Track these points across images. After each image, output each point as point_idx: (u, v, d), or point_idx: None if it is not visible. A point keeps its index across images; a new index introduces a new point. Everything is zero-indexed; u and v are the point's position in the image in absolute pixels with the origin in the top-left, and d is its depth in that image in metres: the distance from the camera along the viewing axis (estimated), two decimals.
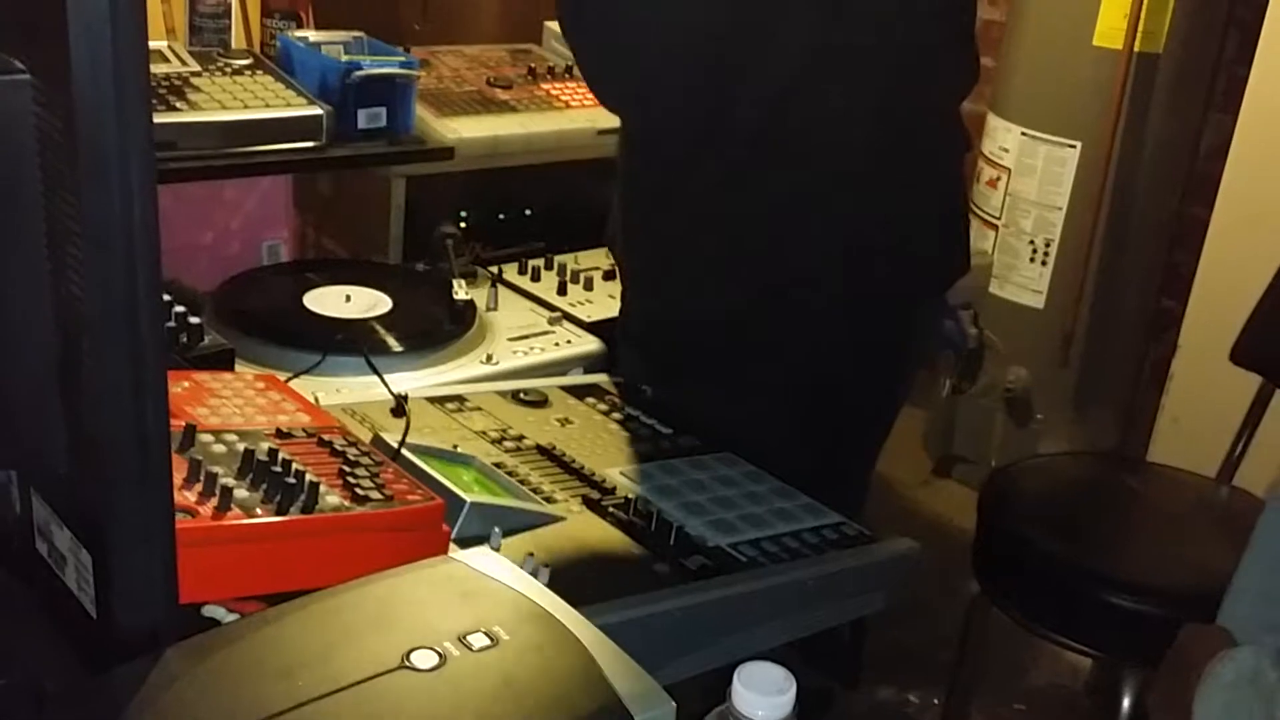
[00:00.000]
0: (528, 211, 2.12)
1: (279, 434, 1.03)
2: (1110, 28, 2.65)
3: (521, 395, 1.50)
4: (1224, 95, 2.83)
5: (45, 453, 0.73)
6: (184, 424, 0.97)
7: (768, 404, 1.48)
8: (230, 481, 0.91)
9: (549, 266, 2.00)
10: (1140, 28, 2.62)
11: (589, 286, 1.97)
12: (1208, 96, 2.86)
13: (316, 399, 1.36)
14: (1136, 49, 2.65)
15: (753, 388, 1.49)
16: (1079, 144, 2.75)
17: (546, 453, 1.34)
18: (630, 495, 1.27)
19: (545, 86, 2.18)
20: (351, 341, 1.57)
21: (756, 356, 1.50)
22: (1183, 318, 2.65)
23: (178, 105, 1.63)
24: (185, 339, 1.22)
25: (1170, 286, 2.88)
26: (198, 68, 1.75)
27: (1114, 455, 2.80)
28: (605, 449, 1.39)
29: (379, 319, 1.68)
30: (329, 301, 1.69)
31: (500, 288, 1.90)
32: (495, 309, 1.85)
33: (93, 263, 0.65)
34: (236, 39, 1.90)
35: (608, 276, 1.99)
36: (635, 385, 1.57)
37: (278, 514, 0.90)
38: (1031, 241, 2.85)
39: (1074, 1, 2.69)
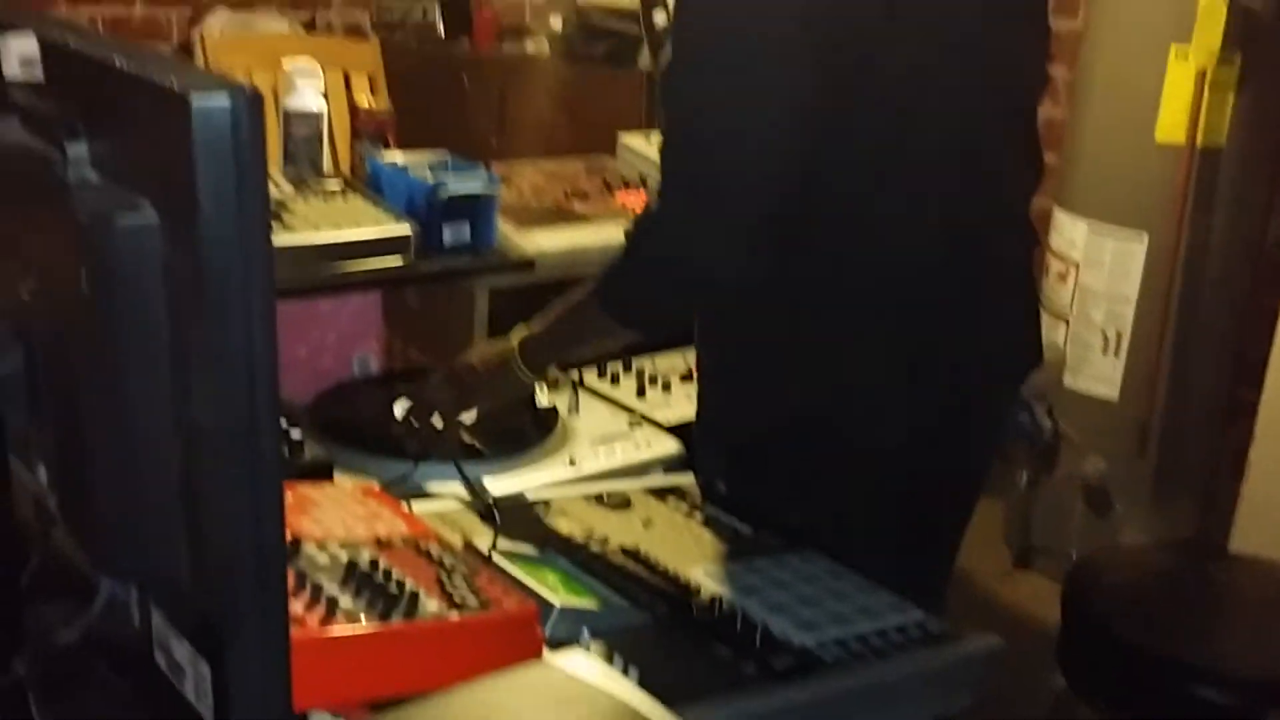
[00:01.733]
0: None
1: (378, 543, 1.08)
2: (1172, 123, 2.68)
3: (604, 498, 1.54)
4: None
5: (167, 568, 0.77)
6: (290, 536, 1.01)
7: (845, 500, 1.50)
8: (334, 591, 0.96)
9: (627, 370, 2.05)
10: (1202, 123, 2.65)
11: (667, 389, 2.00)
12: (1273, 186, 2.88)
13: (410, 506, 1.41)
14: (1199, 144, 2.67)
15: (830, 484, 1.51)
16: (1146, 236, 2.77)
17: (631, 554, 1.37)
18: (714, 595, 1.29)
19: (620, 197, 2.25)
20: (441, 449, 1.61)
21: (833, 453, 1.51)
22: (1258, 406, 2.63)
23: (276, 229, 1.72)
24: (288, 452, 1.28)
25: (1245, 375, 2.87)
26: (293, 192, 1.84)
27: (1196, 544, 2.77)
28: (688, 549, 1.42)
29: (466, 426, 1.73)
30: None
31: (581, 392, 1.94)
32: (576, 413, 1.89)
33: (216, 388, 0.70)
34: (328, 163, 1.99)
35: (685, 379, 2.03)
36: (712, 482, 1.60)
37: (380, 622, 0.94)
38: (1103, 333, 2.86)
39: (1134, 99, 2.73)
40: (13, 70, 0.72)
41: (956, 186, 1.44)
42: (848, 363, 1.48)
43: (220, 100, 0.62)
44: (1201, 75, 2.62)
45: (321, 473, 1.29)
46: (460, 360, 1.61)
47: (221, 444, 0.71)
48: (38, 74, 0.72)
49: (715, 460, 1.63)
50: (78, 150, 0.70)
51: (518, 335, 1.57)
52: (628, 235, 1.47)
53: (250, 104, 0.62)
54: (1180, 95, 2.66)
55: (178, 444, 0.73)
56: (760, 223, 1.35)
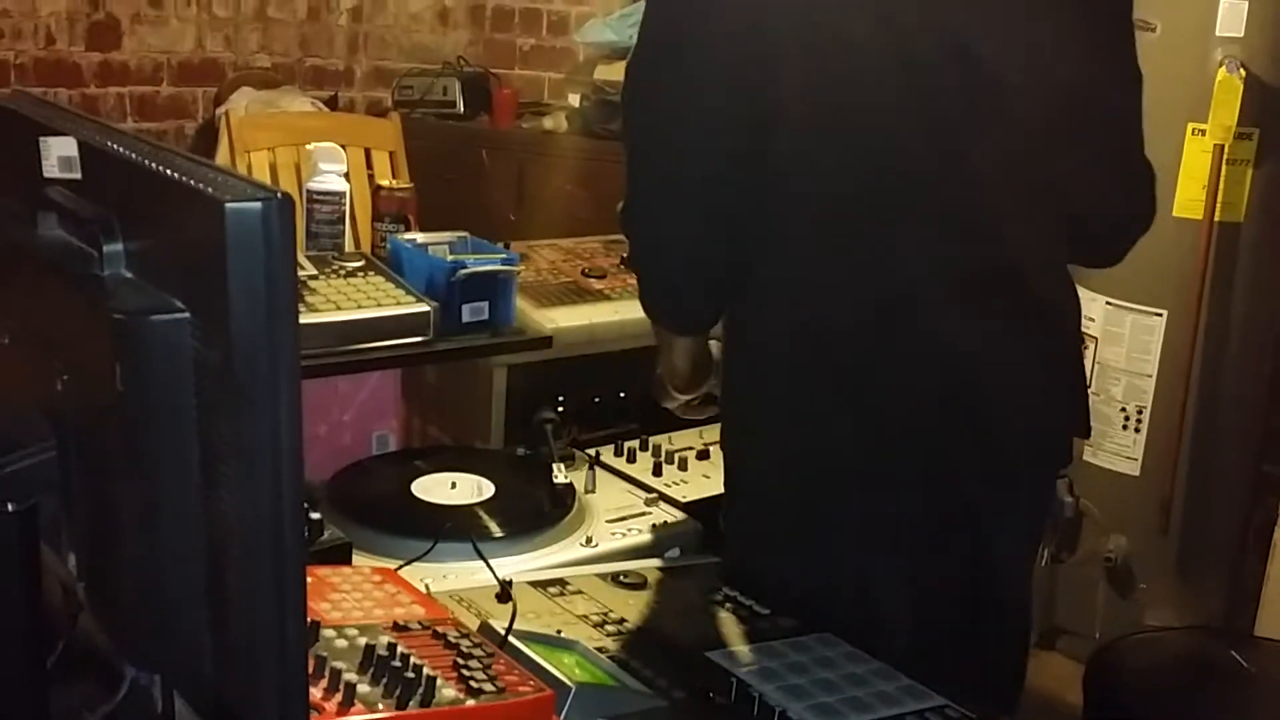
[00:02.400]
0: (622, 395, 2.18)
1: (396, 627, 1.08)
2: (1189, 199, 2.69)
3: (621, 578, 1.54)
4: None
5: (190, 657, 0.78)
6: (309, 620, 1.02)
7: (886, 579, 1.49)
8: (353, 677, 0.96)
9: (644, 448, 2.06)
10: (1220, 199, 2.66)
11: (683, 467, 2.01)
12: None
13: (427, 587, 1.42)
14: (1217, 219, 2.69)
15: (871, 561, 1.50)
16: (1165, 312, 2.77)
17: (647, 636, 1.37)
18: (731, 678, 1.29)
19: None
20: (458, 529, 1.62)
21: (880, 529, 1.50)
22: None
23: (299, 308, 1.74)
24: (307, 533, 1.29)
25: (1270, 452, 2.86)
26: (315, 271, 1.87)
27: (1221, 630, 2.74)
28: (705, 631, 1.42)
29: (483, 504, 1.74)
30: (436, 489, 1.76)
31: (598, 470, 1.95)
32: (593, 491, 1.90)
33: (243, 481, 0.71)
34: (349, 242, 2.02)
35: (701, 456, 2.04)
36: (732, 563, 1.59)
37: (398, 709, 0.94)
38: (1123, 409, 2.85)
39: None
40: (52, 169, 0.74)
41: (1014, 298, 1.45)
42: (904, 440, 1.46)
43: (252, 205, 0.64)
44: (1219, 151, 2.64)
45: (340, 554, 1.30)
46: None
47: (247, 537, 0.72)
48: (76, 173, 0.74)
49: (748, 533, 1.61)
50: (113, 248, 0.72)
51: None
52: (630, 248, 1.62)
53: (281, 208, 0.64)
54: (1197, 171, 2.68)
55: (204, 536, 0.75)
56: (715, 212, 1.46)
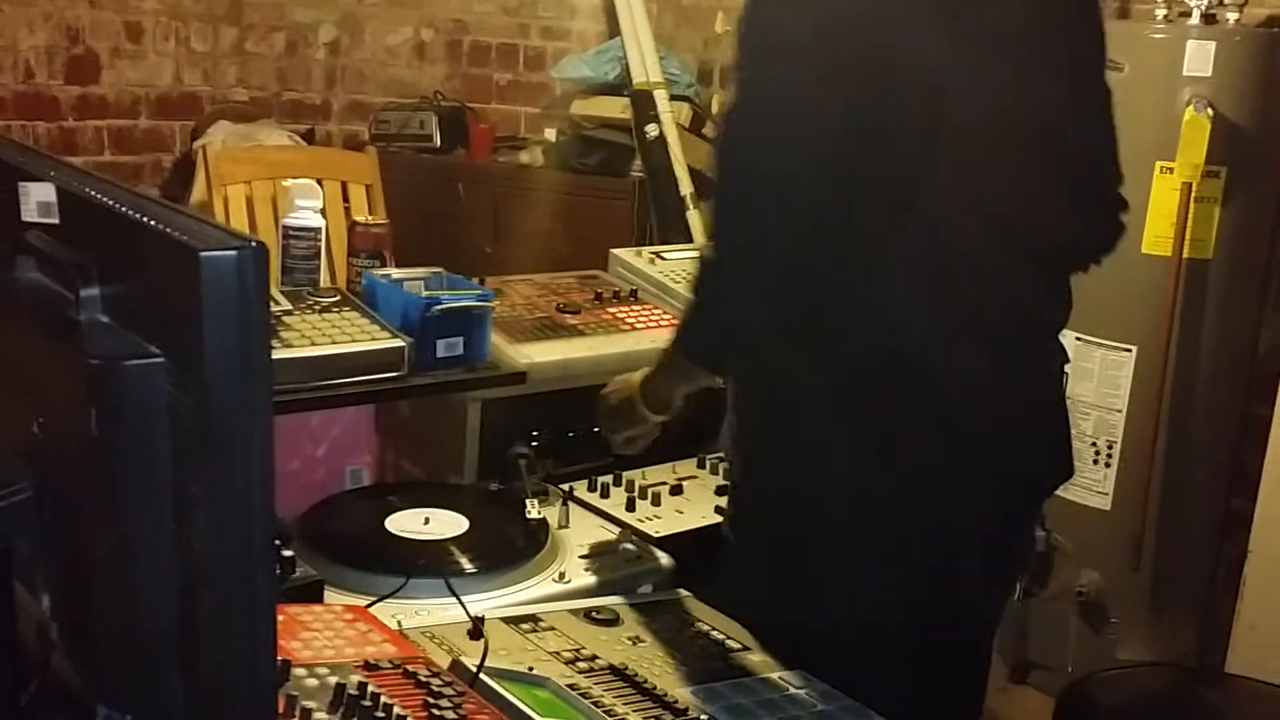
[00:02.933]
0: (596, 430, 2.19)
1: (367, 666, 1.09)
2: (1158, 236, 2.73)
3: (594, 614, 1.55)
4: (1278, 295, 2.88)
5: (162, 696, 0.79)
6: (280, 659, 1.03)
7: (877, 609, 1.50)
8: (323, 716, 0.97)
9: (617, 483, 2.06)
10: (1188, 235, 2.70)
11: (656, 502, 2.02)
12: (1260, 296, 2.92)
13: (400, 623, 1.42)
14: (1186, 255, 2.72)
15: (864, 591, 1.51)
16: (1135, 348, 2.80)
17: (619, 673, 1.38)
18: (702, 716, 1.30)
19: (611, 311, 2.28)
20: (431, 565, 1.63)
21: (875, 572, 1.51)
22: (1253, 518, 2.64)
23: (273, 343, 1.74)
24: (279, 570, 1.29)
25: (1239, 487, 2.88)
26: (290, 306, 1.87)
27: (1192, 668, 2.76)
28: (677, 667, 1.43)
29: (456, 540, 1.74)
30: (409, 524, 1.76)
31: (571, 505, 1.96)
32: (567, 526, 1.90)
33: (215, 524, 0.72)
34: (325, 277, 2.03)
35: (674, 491, 2.05)
36: (710, 600, 1.60)
37: None
38: (1094, 444, 2.88)
39: None
40: (31, 214, 0.75)
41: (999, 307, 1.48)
42: (892, 482, 1.49)
43: (228, 253, 0.65)
44: (1187, 189, 2.68)
45: (312, 592, 1.30)
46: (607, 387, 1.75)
47: (219, 578, 0.73)
48: (54, 218, 0.75)
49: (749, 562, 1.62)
50: (90, 293, 0.73)
51: (640, 373, 1.70)
52: (691, 283, 1.58)
53: (255, 257, 0.65)
54: (1166, 208, 2.72)
55: (176, 577, 0.75)
56: (794, 280, 1.44)
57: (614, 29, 4.07)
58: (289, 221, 2.04)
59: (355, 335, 1.84)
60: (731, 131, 1.48)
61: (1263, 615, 2.56)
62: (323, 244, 2.05)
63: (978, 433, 1.48)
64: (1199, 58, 2.68)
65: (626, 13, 3.89)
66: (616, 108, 3.91)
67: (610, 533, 1.90)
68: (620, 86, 3.93)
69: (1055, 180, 1.50)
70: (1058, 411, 1.63)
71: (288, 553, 1.32)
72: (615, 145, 3.90)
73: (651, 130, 3.77)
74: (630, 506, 1.99)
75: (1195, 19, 2.75)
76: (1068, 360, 1.64)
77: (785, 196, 1.40)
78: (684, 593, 1.69)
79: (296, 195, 2.05)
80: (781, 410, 1.56)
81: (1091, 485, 2.89)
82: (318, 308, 1.89)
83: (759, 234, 1.42)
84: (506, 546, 1.75)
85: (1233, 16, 2.77)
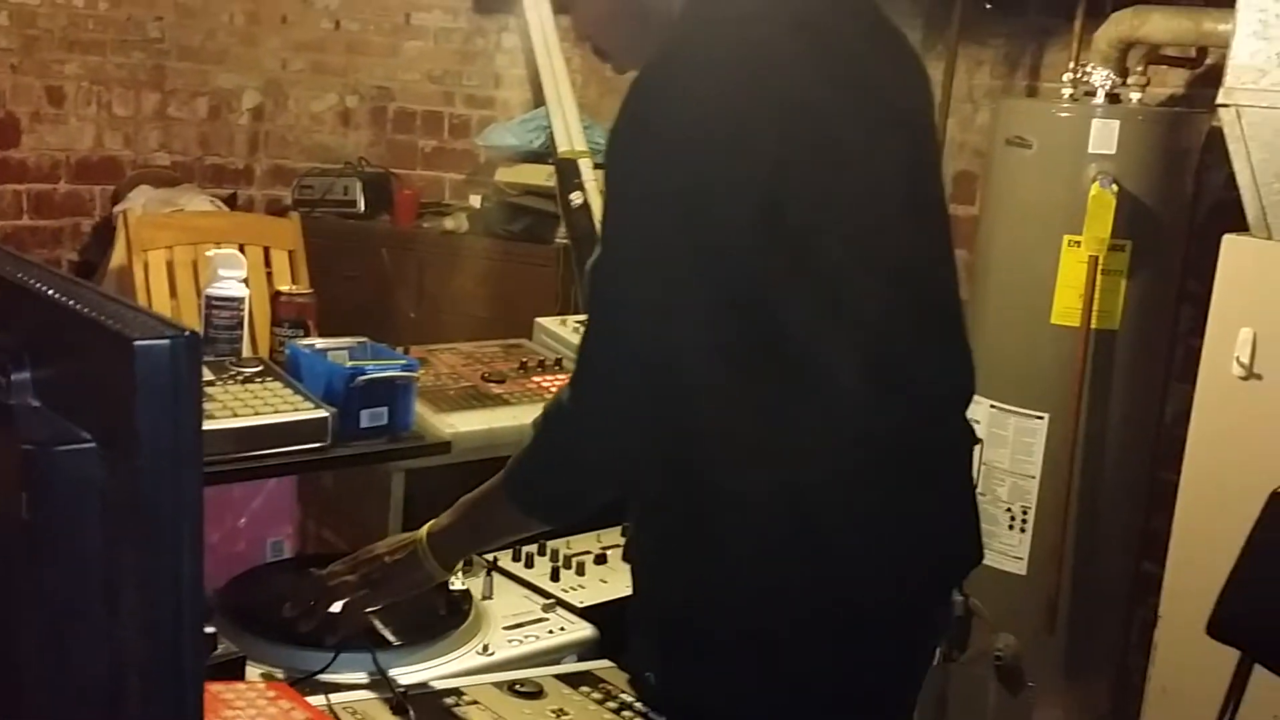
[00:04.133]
0: None
1: None
2: (1066, 308, 2.81)
3: (517, 686, 1.55)
4: (1182, 365, 2.98)
5: None
6: None
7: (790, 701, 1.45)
8: None
9: (542, 553, 2.07)
10: (1095, 307, 2.78)
11: (581, 571, 2.03)
12: (1167, 367, 3.01)
13: (329, 699, 1.41)
14: (1094, 326, 2.80)
15: (781, 687, 1.45)
16: (1047, 415, 2.87)
17: None
18: None
19: (536, 380, 2.30)
20: (354, 638, 1.62)
21: (791, 661, 1.45)
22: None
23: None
24: None
25: (1150, 551, 2.95)
26: (212, 376, 1.87)
27: None
28: None
29: (379, 614, 1.73)
30: None
31: (495, 575, 1.96)
32: (491, 597, 1.90)
33: (144, 608, 0.72)
34: (247, 346, 2.02)
35: (599, 561, 2.06)
36: (639, 672, 1.60)
37: None
38: (1009, 509, 2.93)
39: (1031, 283, 2.87)
40: None
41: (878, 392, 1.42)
42: (796, 574, 1.42)
43: (161, 343, 0.66)
44: (1094, 262, 2.76)
45: (233, 669, 1.29)
46: (366, 552, 1.61)
47: (147, 663, 0.73)
48: None
49: (649, 651, 1.57)
50: (21, 377, 0.73)
51: (427, 528, 1.59)
52: (536, 426, 1.50)
53: (189, 345, 0.66)
54: (1074, 280, 2.80)
55: (105, 662, 0.75)
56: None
57: (538, 98, 4.12)
58: (212, 291, 2.03)
59: (278, 406, 1.84)
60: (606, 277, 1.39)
61: (1174, 679, 2.61)
62: (246, 315, 2.05)
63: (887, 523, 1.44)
64: (1104, 135, 2.78)
65: (551, 82, 3.94)
66: (541, 175, 3.96)
67: (535, 603, 1.90)
68: (545, 154, 3.98)
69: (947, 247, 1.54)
70: (973, 498, 1.59)
71: (209, 629, 1.31)
72: (540, 212, 3.94)
73: (576, 198, 3.81)
74: (555, 576, 2.00)
75: (1100, 98, 2.86)
76: (977, 440, 1.62)
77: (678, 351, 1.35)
78: (608, 663, 1.70)
79: (220, 265, 2.05)
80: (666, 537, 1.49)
81: (1007, 550, 2.94)
82: (240, 378, 1.89)
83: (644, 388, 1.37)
84: (430, 619, 1.75)
85: (1135, 95, 2.88)
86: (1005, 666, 2.93)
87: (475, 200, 4.14)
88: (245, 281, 2.10)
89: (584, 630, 1.85)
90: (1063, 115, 2.88)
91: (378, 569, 1.59)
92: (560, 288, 3.89)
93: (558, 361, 2.38)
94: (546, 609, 1.89)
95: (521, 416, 2.15)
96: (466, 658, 1.71)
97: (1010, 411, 2.90)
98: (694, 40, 1.37)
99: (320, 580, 1.60)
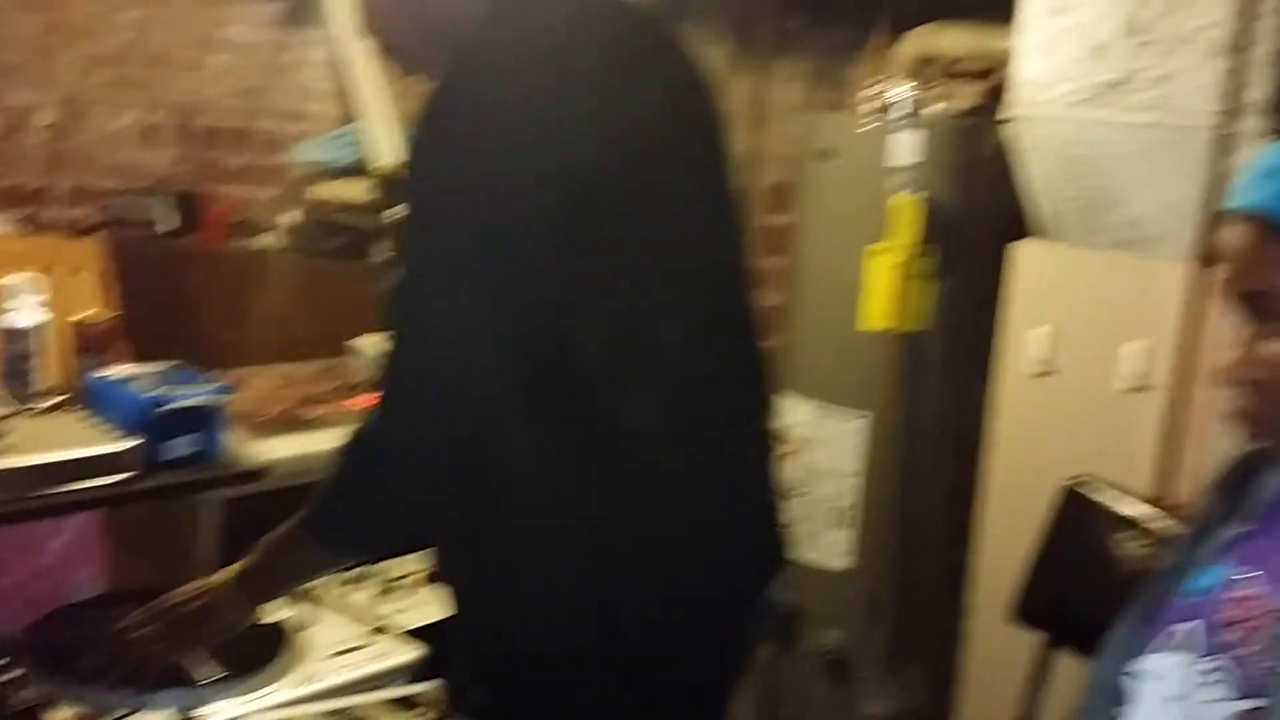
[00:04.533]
0: None
1: None
2: (877, 312, 2.89)
3: (344, 714, 1.52)
4: (984, 363, 3.08)
5: None
6: None
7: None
8: None
9: (369, 575, 2.04)
10: (905, 310, 2.87)
11: (409, 592, 2.00)
12: (976, 366, 3.11)
13: None
14: (905, 329, 2.89)
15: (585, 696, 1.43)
16: (868, 414, 2.95)
17: None
18: None
19: (354, 401, 2.26)
20: (167, 676, 1.55)
21: (581, 664, 1.42)
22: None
23: None
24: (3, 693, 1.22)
25: (967, 544, 3.05)
26: (6, 411, 1.78)
27: (928, 717, 2.89)
28: None
29: (194, 651, 1.67)
30: None
31: (320, 601, 1.92)
32: (317, 623, 1.86)
33: None
34: (49, 376, 1.93)
35: (429, 580, 2.03)
36: (465, 691, 1.56)
37: None
38: (833, 508, 3.00)
39: (843, 288, 2.93)
40: None
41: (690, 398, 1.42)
42: (600, 582, 1.40)
43: None
44: (900, 266, 2.84)
45: (34, 714, 1.23)
46: (167, 600, 1.53)
47: None
48: None
49: (469, 668, 1.51)
50: None
51: (233, 570, 1.51)
52: (340, 455, 1.44)
53: None
54: (883, 286, 2.87)
55: None
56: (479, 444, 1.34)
57: (350, 113, 4.04)
58: (5, 322, 1.94)
59: (78, 439, 1.76)
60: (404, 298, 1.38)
61: (986, 667, 2.70)
62: (43, 345, 1.96)
63: (673, 523, 1.42)
64: (902, 147, 2.86)
65: (368, 96, 3.87)
66: (358, 191, 3.89)
67: (362, 628, 1.87)
68: (361, 169, 3.91)
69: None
70: (775, 512, 1.60)
71: (17, 671, 1.25)
72: (357, 229, 3.87)
73: (396, 213, 3.75)
74: (385, 597, 1.97)
75: (899, 112, 2.94)
76: (779, 447, 1.61)
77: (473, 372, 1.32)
78: (439, 684, 1.67)
79: (15, 292, 1.95)
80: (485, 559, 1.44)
81: (832, 547, 3.00)
82: (38, 410, 1.80)
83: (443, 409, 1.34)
84: (252, 649, 1.70)
85: (936, 109, 2.98)
86: (832, 660, 2.99)
87: (290, 217, 4.04)
88: (46, 307, 2.00)
89: (414, 652, 1.82)
90: (863, 129, 2.96)
91: (179, 618, 1.51)
92: (380, 305, 3.82)
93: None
94: (374, 633, 1.86)
95: (339, 440, 2.11)
96: (290, 689, 1.67)
97: (832, 412, 2.96)
98: (497, 50, 1.35)
99: (118, 634, 1.52)
